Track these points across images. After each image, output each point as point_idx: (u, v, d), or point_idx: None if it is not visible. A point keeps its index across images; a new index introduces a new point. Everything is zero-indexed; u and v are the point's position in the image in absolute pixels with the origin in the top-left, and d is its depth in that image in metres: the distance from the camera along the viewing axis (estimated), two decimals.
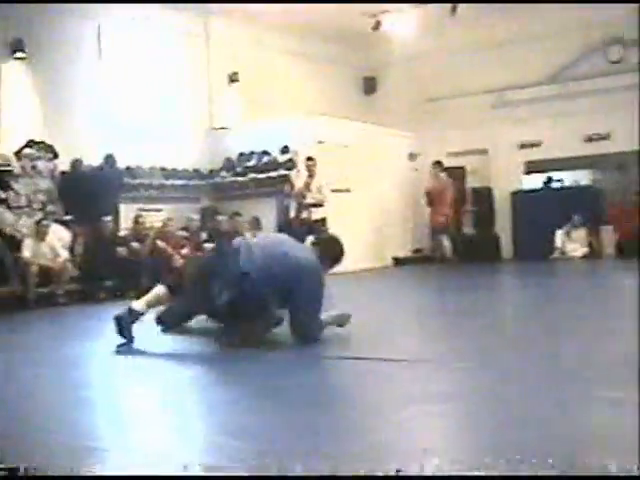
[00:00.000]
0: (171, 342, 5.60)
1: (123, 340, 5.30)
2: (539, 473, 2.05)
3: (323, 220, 12.01)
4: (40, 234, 10.10)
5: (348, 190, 13.70)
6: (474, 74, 15.88)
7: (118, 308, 5.50)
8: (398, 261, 14.93)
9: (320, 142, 13.35)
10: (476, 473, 2.05)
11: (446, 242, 13.85)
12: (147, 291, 5.65)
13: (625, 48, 14.90)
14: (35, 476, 2.39)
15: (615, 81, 14.53)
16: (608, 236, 14.29)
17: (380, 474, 2.10)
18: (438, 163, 14.32)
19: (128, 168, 12.78)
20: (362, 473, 2.11)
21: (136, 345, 5.30)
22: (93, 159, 11.97)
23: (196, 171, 14.00)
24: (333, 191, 12.75)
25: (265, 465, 2.24)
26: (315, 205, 12.09)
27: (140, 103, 13.30)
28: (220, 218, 12.51)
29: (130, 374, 4.72)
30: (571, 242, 14.17)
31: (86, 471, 2.44)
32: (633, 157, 14.33)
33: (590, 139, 14.99)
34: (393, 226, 14.98)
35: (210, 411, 3.57)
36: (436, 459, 2.34)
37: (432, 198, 14.13)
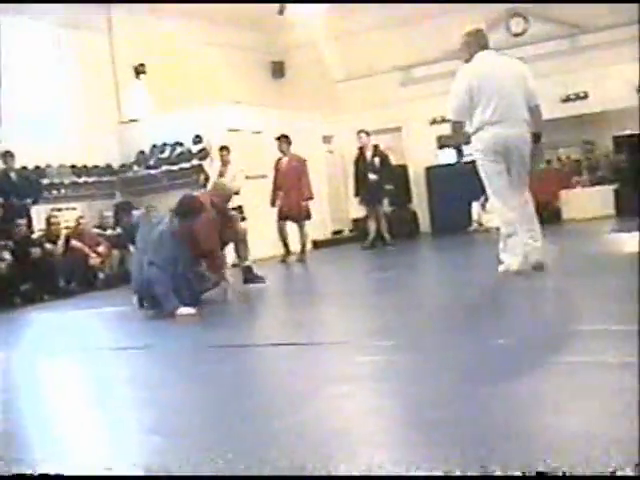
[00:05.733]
0: None
1: None
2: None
3: (240, 208, 11.87)
4: None
5: (264, 176, 13.60)
6: (380, 53, 15.98)
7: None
8: (317, 244, 14.92)
9: (232, 130, 13.27)
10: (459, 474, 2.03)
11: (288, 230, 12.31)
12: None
13: (526, 20, 15.18)
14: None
15: (518, 53, 14.73)
16: None
17: (380, 474, 2.07)
18: (285, 137, 12.36)
19: (37, 167, 12.52)
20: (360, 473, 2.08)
21: None
22: None
23: (108, 166, 13.77)
24: (248, 178, 12.66)
25: (259, 465, 2.22)
26: None
27: (43, 99, 13.02)
28: (135, 213, 12.35)
29: None
30: (487, 213, 14.38)
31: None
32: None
33: None
34: (311, 209, 14.92)
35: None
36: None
37: (279, 178, 12.41)
